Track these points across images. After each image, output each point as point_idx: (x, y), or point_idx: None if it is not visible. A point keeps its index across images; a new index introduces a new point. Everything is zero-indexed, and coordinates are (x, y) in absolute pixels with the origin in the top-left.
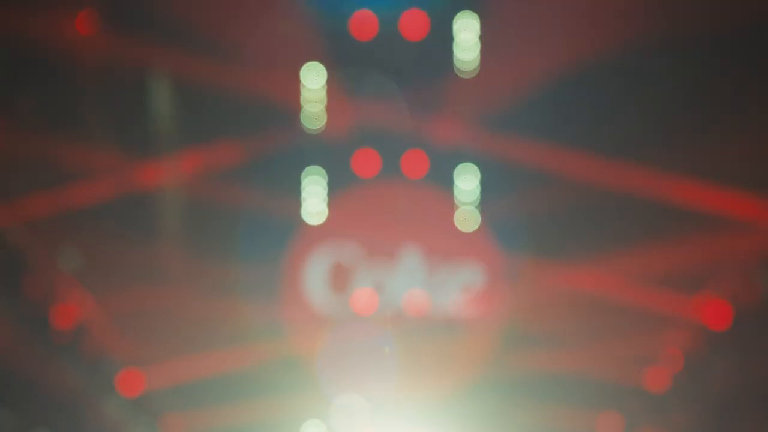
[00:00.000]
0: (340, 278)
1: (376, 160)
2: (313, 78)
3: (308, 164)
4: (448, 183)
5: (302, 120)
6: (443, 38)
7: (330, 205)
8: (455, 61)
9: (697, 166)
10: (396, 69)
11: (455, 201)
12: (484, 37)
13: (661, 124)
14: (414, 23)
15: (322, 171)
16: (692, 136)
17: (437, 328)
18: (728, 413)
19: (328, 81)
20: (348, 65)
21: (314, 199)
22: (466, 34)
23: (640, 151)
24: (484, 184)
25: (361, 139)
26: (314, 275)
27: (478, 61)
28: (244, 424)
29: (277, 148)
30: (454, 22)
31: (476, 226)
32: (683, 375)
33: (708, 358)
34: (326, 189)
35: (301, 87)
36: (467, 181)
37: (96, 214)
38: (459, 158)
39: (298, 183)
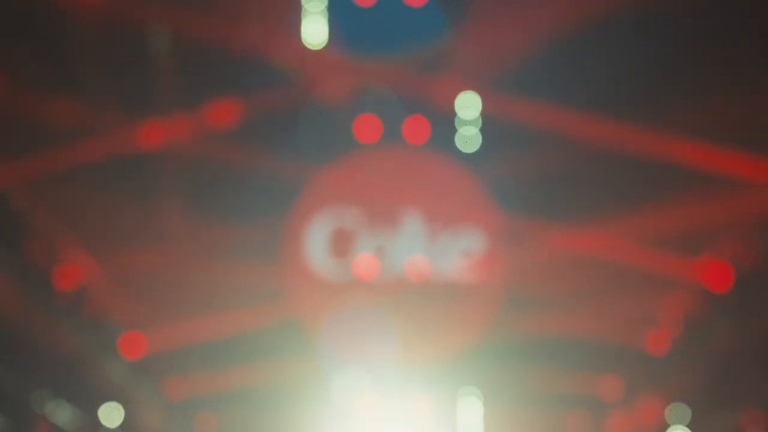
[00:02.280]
0: (342, 243)
1: (377, 126)
2: (314, 33)
3: (308, 128)
4: (449, 148)
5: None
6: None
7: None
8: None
9: (698, 126)
10: (397, 30)
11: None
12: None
13: (661, 84)
14: None
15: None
16: (693, 96)
17: (439, 294)
18: (729, 375)
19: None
20: (349, 27)
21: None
22: None
23: (641, 112)
24: (485, 145)
25: (361, 105)
26: (315, 240)
27: (479, 22)
28: (244, 387)
29: (277, 107)
30: None
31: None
32: (684, 337)
33: (709, 320)
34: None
35: (301, 45)
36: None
37: (96, 174)
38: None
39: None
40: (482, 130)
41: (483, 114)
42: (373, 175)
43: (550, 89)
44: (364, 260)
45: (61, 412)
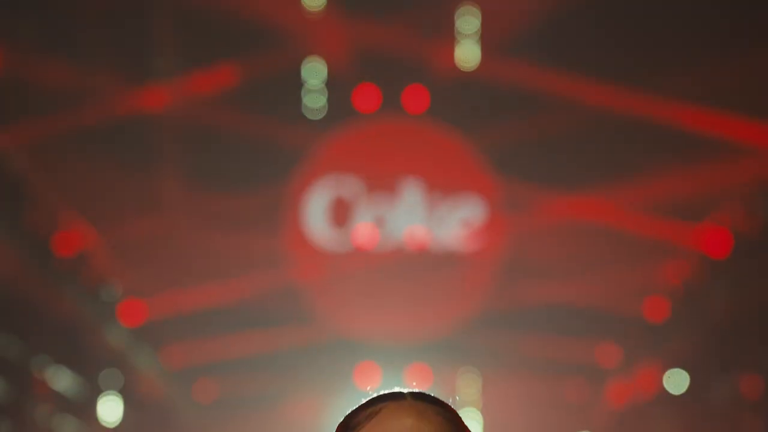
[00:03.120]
0: (341, 213)
1: (376, 95)
2: None
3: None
4: (449, 118)
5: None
6: None
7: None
8: None
9: (697, 91)
10: None
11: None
12: None
13: (661, 48)
14: None
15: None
16: (693, 60)
17: (437, 263)
18: (727, 341)
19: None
20: None
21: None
22: None
23: (641, 76)
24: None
25: (361, 73)
26: (315, 209)
27: None
28: (244, 355)
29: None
30: None
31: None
32: (682, 304)
33: (707, 286)
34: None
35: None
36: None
37: (95, 141)
38: (460, 94)
39: (298, 107)
40: (482, 96)
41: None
42: (372, 144)
43: (550, 53)
44: (364, 229)
45: (62, 378)
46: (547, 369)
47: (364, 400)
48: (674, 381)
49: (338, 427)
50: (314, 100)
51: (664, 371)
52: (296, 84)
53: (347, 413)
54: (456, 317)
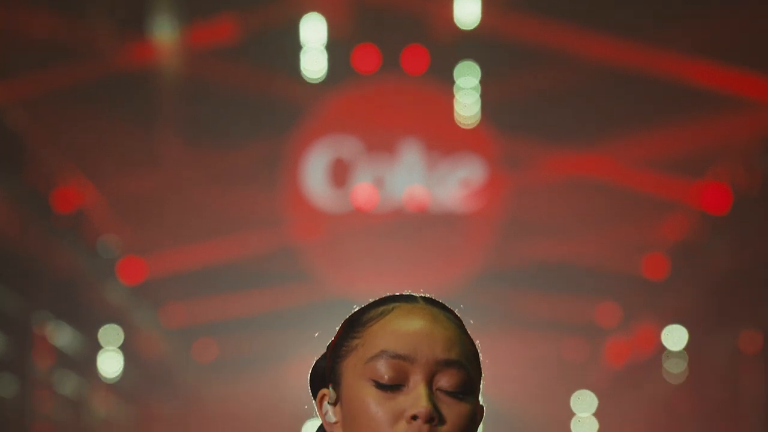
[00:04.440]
0: (340, 173)
1: (376, 56)
2: None
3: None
4: (449, 78)
5: None
6: None
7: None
8: None
9: (698, 45)
10: None
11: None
12: None
13: (662, 2)
14: None
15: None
16: (693, 13)
17: (437, 222)
18: (726, 296)
19: None
20: None
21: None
22: None
23: (641, 29)
24: (485, 68)
25: (361, 33)
26: (314, 170)
27: None
28: (243, 314)
29: (276, 26)
30: None
31: (476, 123)
32: (681, 260)
33: (707, 242)
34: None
35: None
36: (467, 80)
37: (94, 96)
38: (460, 53)
39: (297, 66)
40: (481, 51)
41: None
42: (371, 104)
43: (549, 10)
44: (363, 190)
45: (61, 334)
46: (546, 328)
47: (372, 300)
48: (673, 338)
49: (344, 323)
50: (314, 60)
51: (662, 329)
52: (296, 42)
53: (355, 311)
54: (455, 277)
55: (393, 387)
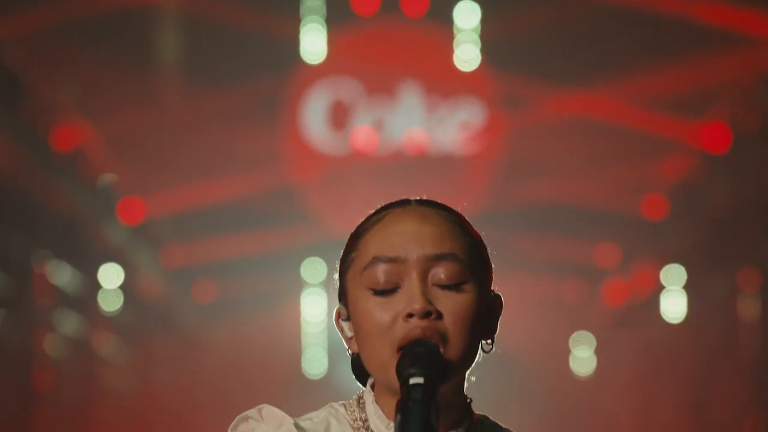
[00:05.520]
0: (340, 115)
1: None
2: None
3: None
4: (448, 20)
5: None
6: None
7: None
8: None
9: None
10: None
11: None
12: None
13: None
14: None
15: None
16: None
17: (436, 165)
18: (724, 235)
19: None
20: None
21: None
22: None
23: None
24: (485, 9)
25: None
26: (314, 112)
27: None
28: (243, 255)
29: None
30: None
31: (476, 65)
32: (681, 201)
33: (706, 181)
34: (325, 27)
35: None
36: (467, 21)
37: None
38: None
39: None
40: None
41: None
42: (371, 47)
43: None
44: (363, 132)
45: (61, 273)
46: (544, 269)
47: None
48: (672, 277)
49: (350, 236)
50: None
51: (661, 268)
52: None
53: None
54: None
55: (390, 291)
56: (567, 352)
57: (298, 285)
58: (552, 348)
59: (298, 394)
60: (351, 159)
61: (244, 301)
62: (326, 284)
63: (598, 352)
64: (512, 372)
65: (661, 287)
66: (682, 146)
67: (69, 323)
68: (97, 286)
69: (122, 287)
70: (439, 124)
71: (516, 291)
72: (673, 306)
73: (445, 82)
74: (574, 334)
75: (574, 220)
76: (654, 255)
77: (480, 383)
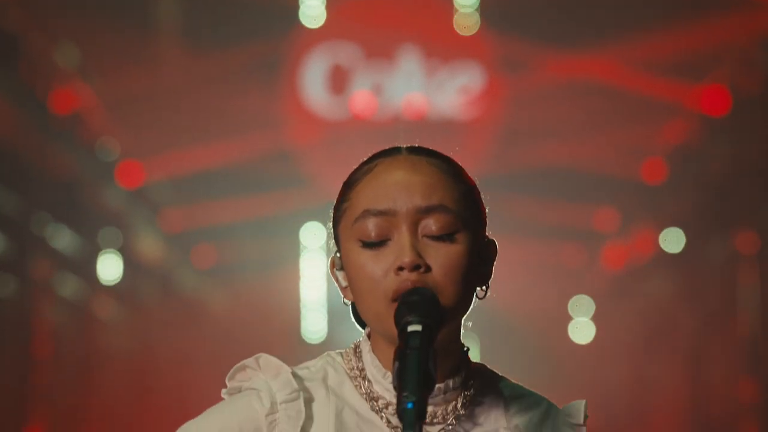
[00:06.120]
0: (338, 80)
1: None
2: None
3: None
4: None
5: None
6: None
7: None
8: None
9: None
10: None
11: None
12: None
13: None
14: None
15: None
16: None
17: (436, 130)
18: (723, 198)
19: None
20: None
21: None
22: None
23: None
24: None
25: None
26: (312, 76)
27: None
28: (243, 219)
29: None
30: None
31: (476, 29)
32: (680, 164)
33: (706, 145)
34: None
35: None
36: None
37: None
38: None
39: None
40: None
41: None
42: (370, 11)
43: None
44: (361, 97)
45: (60, 236)
46: (543, 233)
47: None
48: (670, 240)
49: (342, 185)
50: None
51: (660, 232)
52: None
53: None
54: None
55: (380, 243)
56: (567, 318)
57: (297, 249)
58: (551, 312)
59: (298, 359)
60: (350, 123)
61: (243, 265)
62: (325, 249)
63: (596, 318)
64: (511, 334)
65: (661, 251)
66: (682, 110)
67: (68, 286)
68: (97, 250)
69: (121, 251)
70: (438, 89)
71: (515, 255)
72: (672, 269)
73: (444, 47)
74: (573, 299)
75: (573, 184)
76: (653, 219)
77: (483, 351)
